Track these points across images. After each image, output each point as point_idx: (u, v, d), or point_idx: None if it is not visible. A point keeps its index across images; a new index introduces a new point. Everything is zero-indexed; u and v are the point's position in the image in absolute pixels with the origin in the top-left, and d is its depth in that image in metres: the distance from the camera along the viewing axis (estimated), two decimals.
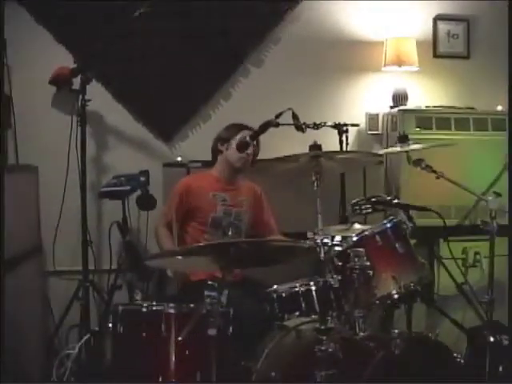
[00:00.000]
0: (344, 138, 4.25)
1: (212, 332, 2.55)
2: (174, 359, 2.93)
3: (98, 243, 4.65)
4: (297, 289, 3.39)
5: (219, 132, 4.16)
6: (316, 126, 3.85)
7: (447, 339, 3.25)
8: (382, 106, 5.01)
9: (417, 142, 3.84)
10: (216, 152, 4.13)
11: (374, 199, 3.59)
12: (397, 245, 3.20)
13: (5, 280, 3.53)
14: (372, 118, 5.01)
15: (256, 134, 3.67)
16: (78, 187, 4.38)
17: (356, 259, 2.96)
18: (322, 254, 2.63)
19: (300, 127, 3.65)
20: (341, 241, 3.10)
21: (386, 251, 3.18)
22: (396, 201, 3.43)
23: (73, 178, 4.45)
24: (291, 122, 3.50)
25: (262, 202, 4.23)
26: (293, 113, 3.64)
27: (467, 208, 4.66)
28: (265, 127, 3.66)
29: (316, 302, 3.33)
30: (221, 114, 4.83)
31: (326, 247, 2.65)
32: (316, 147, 3.07)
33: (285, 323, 3.26)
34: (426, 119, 4.73)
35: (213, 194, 4.04)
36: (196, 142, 4.79)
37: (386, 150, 3.76)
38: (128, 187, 4.25)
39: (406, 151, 3.67)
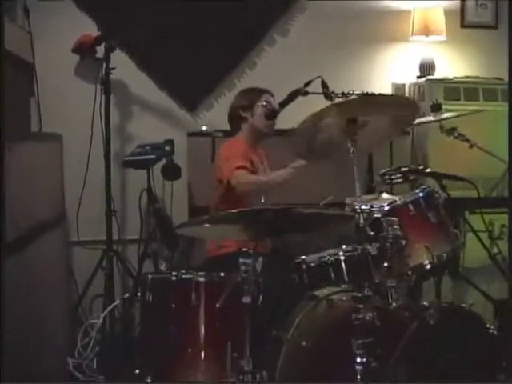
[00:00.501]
0: None
1: (246, 300, 2.52)
2: (204, 328, 2.90)
3: (121, 213, 4.62)
4: (326, 258, 3.37)
5: (237, 98, 4.06)
6: (344, 95, 3.78)
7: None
8: (409, 76, 4.93)
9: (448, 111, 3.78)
10: (238, 119, 4.02)
11: (404, 169, 3.53)
12: (429, 214, 3.14)
13: (4, 271, 3.48)
14: (398, 88, 4.93)
15: (285, 102, 3.61)
16: (102, 156, 4.36)
17: (389, 228, 2.90)
18: (362, 221, 2.58)
19: (329, 96, 3.59)
20: (374, 209, 3.04)
21: (419, 221, 3.13)
22: (429, 170, 3.37)
23: (97, 147, 4.42)
24: (319, 90, 3.45)
25: None
26: (322, 81, 3.57)
27: (494, 179, 4.62)
28: (294, 95, 3.60)
29: (345, 271, 3.33)
30: (246, 83, 4.71)
31: (364, 214, 2.61)
32: None
33: (315, 293, 3.22)
34: (453, 90, 4.67)
35: (254, 158, 3.97)
36: (221, 111, 4.68)
37: (419, 120, 3.69)
38: (153, 156, 4.22)
39: (440, 120, 3.60)
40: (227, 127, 4.46)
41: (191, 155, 4.49)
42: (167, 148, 4.26)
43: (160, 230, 3.78)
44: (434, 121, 3.67)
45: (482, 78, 4.82)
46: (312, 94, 3.57)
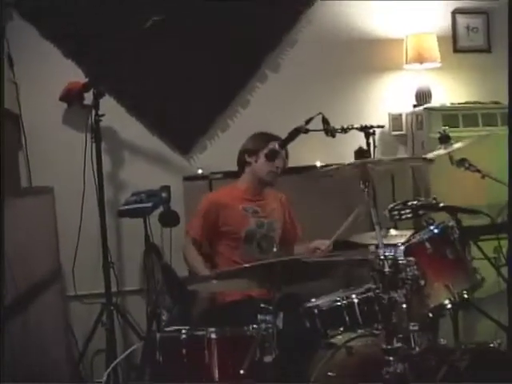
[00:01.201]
0: (371, 141, 4.09)
1: (268, 359, 2.36)
2: None
3: (118, 264, 4.45)
4: (338, 302, 3.23)
5: (245, 142, 3.96)
6: (344, 130, 3.68)
7: None
8: (405, 105, 4.82)
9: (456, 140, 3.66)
10: (243, 164, 3.93)
11: (414, 203, 3.40)
12: (447, 251, 3.02)
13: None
14: (395, 118, 4.82)
15: (285, 142, 3.49)
16: (96, 206, 4.19)
17: (407, 269, 2.76)
18: (387, 269, 2.43)
19: (331, 132, 3.50)
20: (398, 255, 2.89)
21: (437, 259, 2.99)
22: (442, 204, 3.23)
23: (90, 197, 4.26)
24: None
25: (287, 209, 4.06)
26: (323, 118, 3.48)
27: (498, 206, 4.48)
28: (294, 134, 3.49)
29: (359, 315, 3.19)
30: (239, 123, 4.64)
31: (389, 261, 2.46)
32: (362, 153, 2.88)
33: (332, 341, 3.07)
34: (452, 117, 4.56)
35: (243, 207, 3.84)
36: (215, 153, 4.60)
37: (434, 154, 3.56)
38: (149, 204, 4.06)
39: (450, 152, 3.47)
40: (223, 169, 4.36)
41: (188, 200, 4.35)
42: (164, 195, 4.10)
43: (167, 287, 3.58)
44: (445, 153, 3.53)
45: (481, 103, 4.71)
46: (313, 131, 3.48)
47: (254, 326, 2.71)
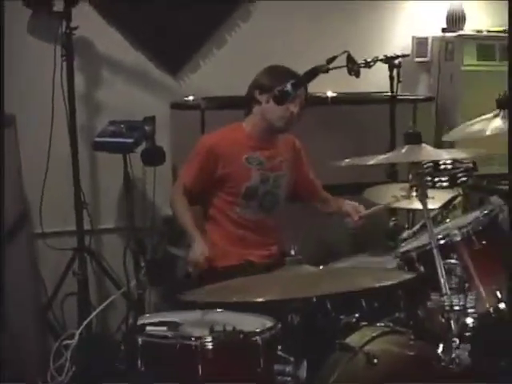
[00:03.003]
0: (395, 74, 3.51)
1: None
2: None
3: (93, 202, 3.87)
4: None
5: (260, 75, 3.23)
6: (368, 64, 3.14)
7: None
8: (433, 28, 4.14)
9: None
10: (252, 101, 3.23)
11: (449, 166, 2.82)
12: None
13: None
14: (420, 43, 4.15)
15: (300, 83, 2.88)
16: (66, 134, 3.62)
17: None
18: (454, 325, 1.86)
19: (355, 71, 2.92)
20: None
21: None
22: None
23: (59, 124, 3.63)
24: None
25: (302, 159, 3.42)
26: (349, 56, 2.90)
27: None
28: (312, 74, 2.89)
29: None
30: (238, 38, 3.98)
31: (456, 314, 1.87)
32: (415, 137, 2.27)
33: (347, 341, 2.52)
34: (488, 48, 3.94)
35: (246, 158, 3.20)
36: (209, 74, 3.95)
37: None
38: (130, 140, 3.49)
39: None
40: (217, 93, 3.78)
41: (175, 132, 3.75)
42: (147, 128, 3.49)
43: (153, 281, 2.93)
44: None
45: None
46: (334, 69, 2.92)
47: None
